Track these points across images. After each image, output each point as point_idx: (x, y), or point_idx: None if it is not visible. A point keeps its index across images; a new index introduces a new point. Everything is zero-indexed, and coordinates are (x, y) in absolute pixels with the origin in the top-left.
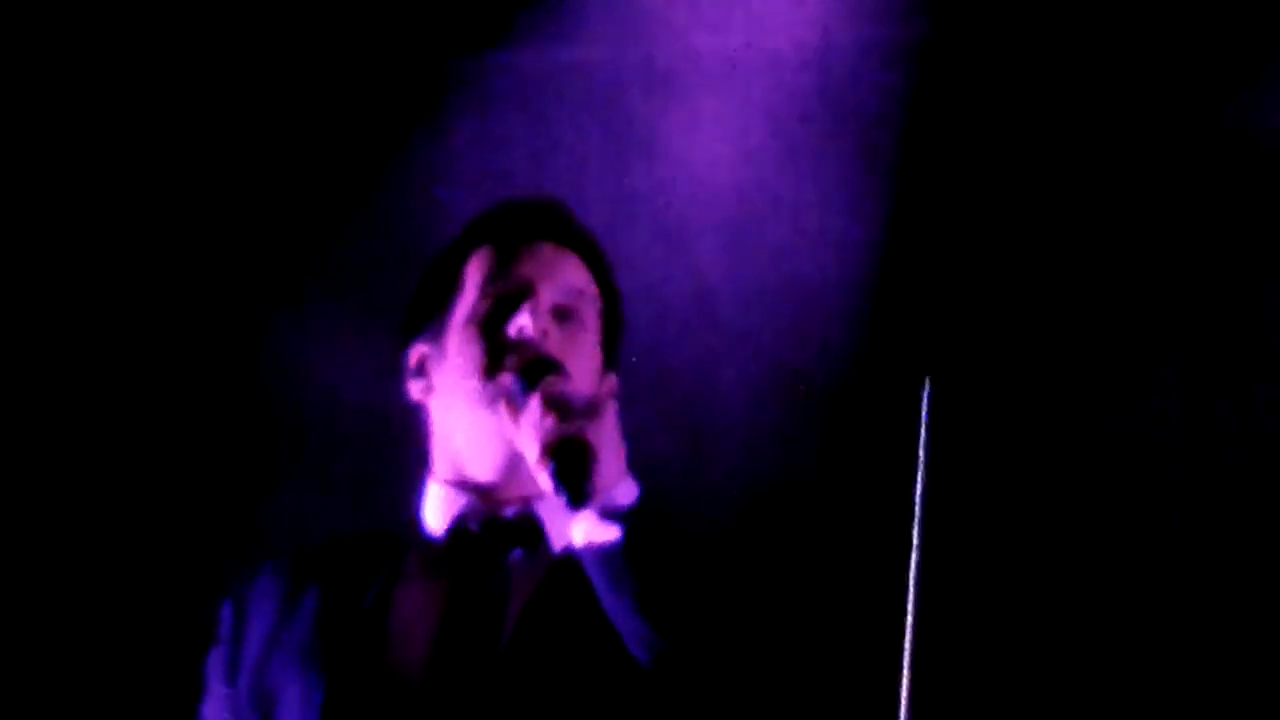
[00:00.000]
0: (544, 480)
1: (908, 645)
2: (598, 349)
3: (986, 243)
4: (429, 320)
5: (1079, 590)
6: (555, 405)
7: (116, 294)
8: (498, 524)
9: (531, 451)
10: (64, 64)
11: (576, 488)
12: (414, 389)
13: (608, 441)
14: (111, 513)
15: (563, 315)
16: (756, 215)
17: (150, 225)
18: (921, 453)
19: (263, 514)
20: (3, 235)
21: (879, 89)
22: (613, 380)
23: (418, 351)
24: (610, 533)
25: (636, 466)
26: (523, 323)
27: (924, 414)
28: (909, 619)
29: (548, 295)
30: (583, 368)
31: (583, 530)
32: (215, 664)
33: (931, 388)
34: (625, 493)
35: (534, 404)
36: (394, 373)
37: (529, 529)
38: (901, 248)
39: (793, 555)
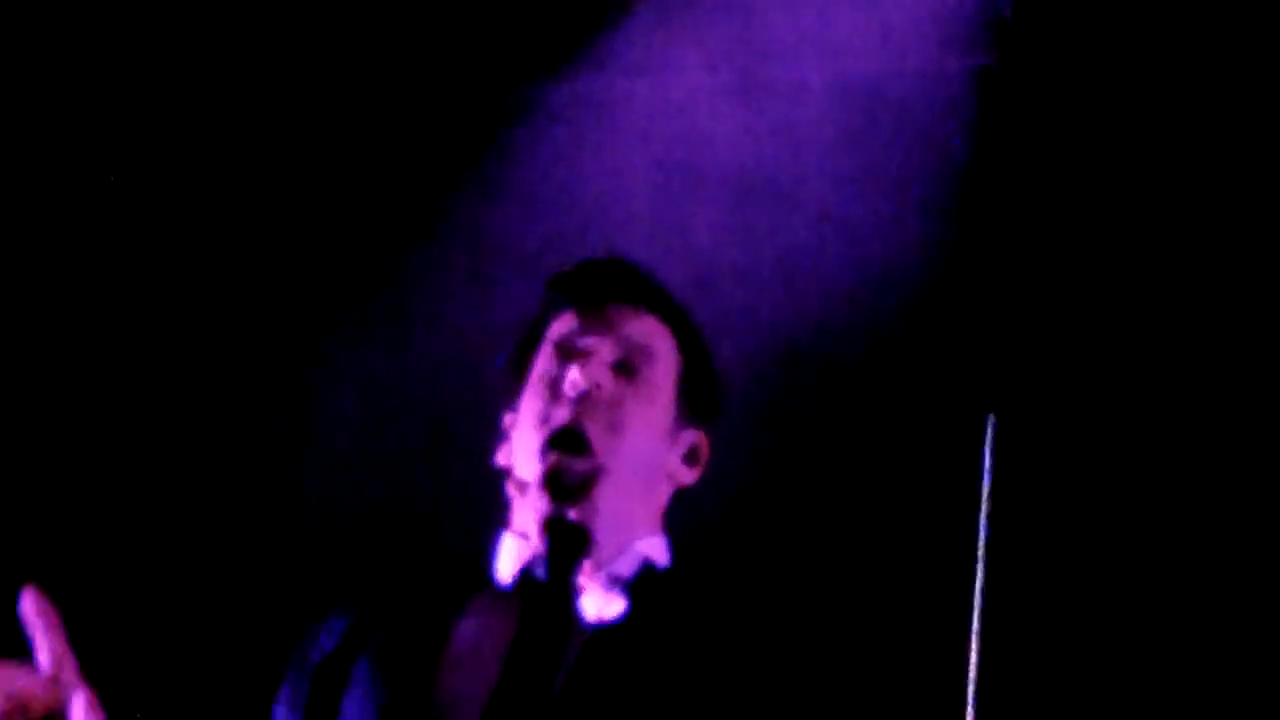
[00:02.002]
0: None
1: (971, 690)
2: (669, 408)
3: (1051, 276)
4: (513, 386)
5: (1146, 631)
6: (552, 483)
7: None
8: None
9: (532, 530)
10: (171, 74)
11: (560, 574)
12: (500, 454)
13: (610, 515)
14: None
15: (625, 369)
16: (819, 246)
17: (219, 239)
18: (985, 490)
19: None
20: (93, 217)
21: (944, 118)
22: (689, 438)
23: (508, 418)
24: (615, 605)
25: None
26: (573, 376)
27: (987, 451)
28: (972, 664)
29: (608, 350)
30: (642, 424)
31: (593, 602)
32: (283, 700)
33: (995, 424)
34: (627, 563)
35: (534, 481)
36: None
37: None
38: (965, 280)
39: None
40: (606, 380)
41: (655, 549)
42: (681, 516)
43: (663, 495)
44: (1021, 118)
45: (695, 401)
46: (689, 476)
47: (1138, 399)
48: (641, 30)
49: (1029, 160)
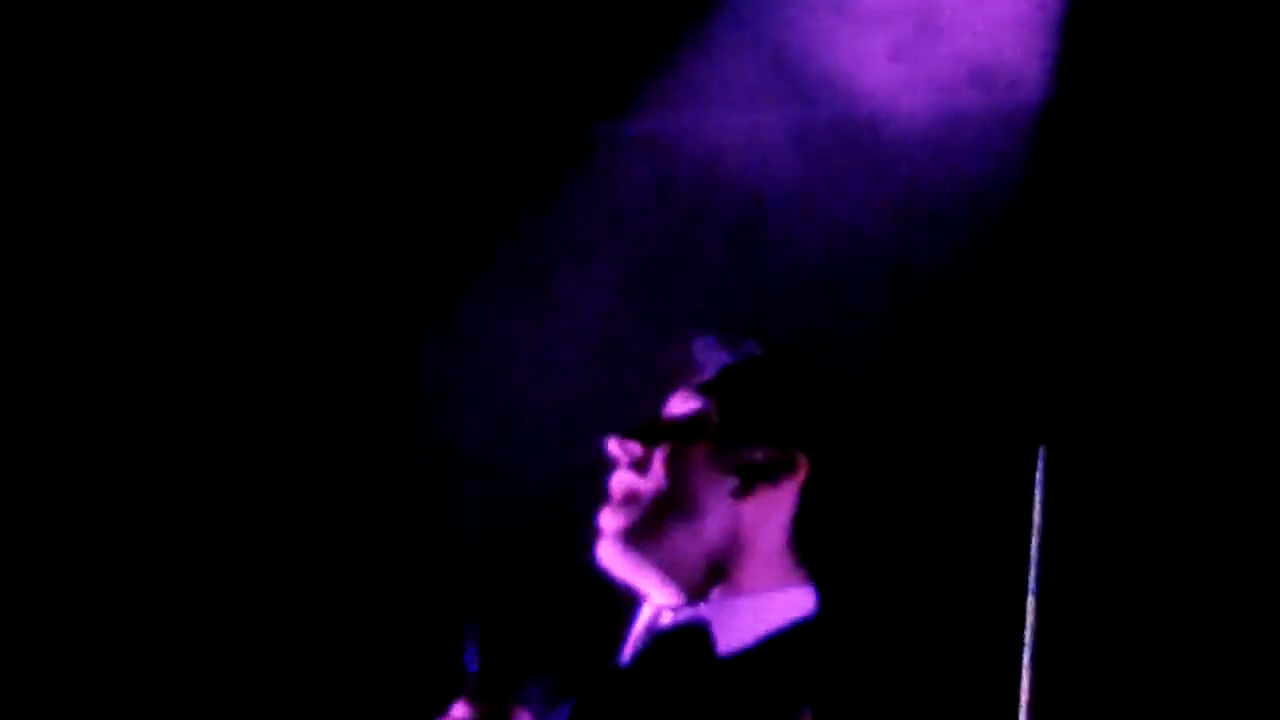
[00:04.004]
0: None
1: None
2: (709, 464)
3: (1104, 308)
4: None
5: (1202, 667)
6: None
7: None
8: (661, 634)
9: None
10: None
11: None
12: None
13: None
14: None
15: (671, 433)
16: (874, 283)
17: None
18: (1037, 523)
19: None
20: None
21: (1001, 156)
22: (731, 477)
23: None
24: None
25: None
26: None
27: (1039, 483)
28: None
29: (626, 458)
30: (680, 476)
31: None
32: None
33: (1047, 456)
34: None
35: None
36: None
37: (696, 632)
38: (1018, 313)
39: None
40: (662, 446)
41: (783, 604)
42: None
43: (743, 539)
44: (1073, 152)
45: (739, 430)
46: (755, 506)
47: (1191, 431)
48: (691, 71)
49: (1080, 194)
